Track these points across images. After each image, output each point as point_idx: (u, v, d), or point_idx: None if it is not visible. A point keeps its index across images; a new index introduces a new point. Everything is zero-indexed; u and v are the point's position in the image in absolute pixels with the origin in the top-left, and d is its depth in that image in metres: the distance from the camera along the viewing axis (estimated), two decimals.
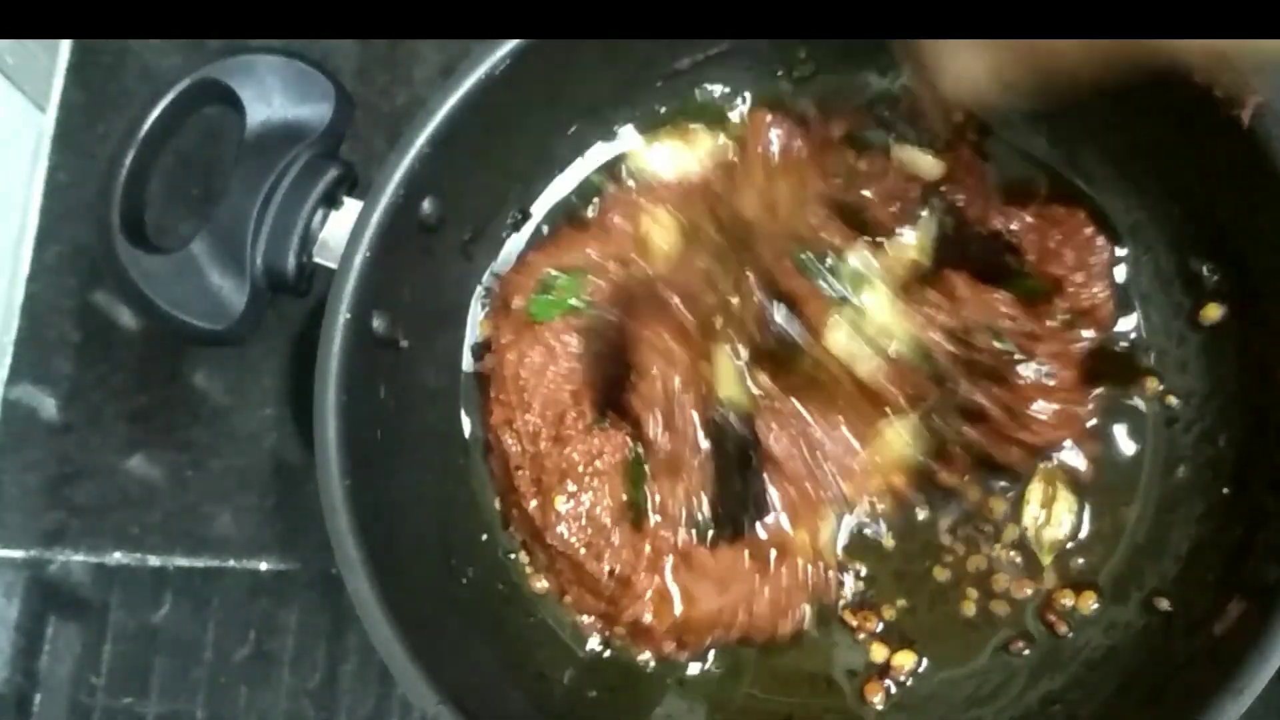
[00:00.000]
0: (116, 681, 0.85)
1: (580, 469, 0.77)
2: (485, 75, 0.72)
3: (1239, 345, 0.77)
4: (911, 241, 0.81)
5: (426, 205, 0.73)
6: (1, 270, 0.91)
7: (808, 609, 0.77)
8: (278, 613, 0.86)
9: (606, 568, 0.76)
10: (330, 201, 0.71)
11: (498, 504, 0.82)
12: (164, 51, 0.93)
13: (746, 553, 0.77)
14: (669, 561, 0.77)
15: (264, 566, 0.86)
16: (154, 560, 0.87)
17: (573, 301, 0.80)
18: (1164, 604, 0.75)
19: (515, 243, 0.84)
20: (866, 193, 0.82)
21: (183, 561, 0.87)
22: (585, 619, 0.79)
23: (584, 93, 0.81)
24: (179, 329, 0.70)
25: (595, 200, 0.84)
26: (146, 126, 0.70)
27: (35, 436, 0.89)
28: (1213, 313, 0.78)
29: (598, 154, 0.85)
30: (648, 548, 0.76)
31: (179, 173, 0.88)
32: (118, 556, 0.87)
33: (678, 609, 0.76)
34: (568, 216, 0.84)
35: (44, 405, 0.89)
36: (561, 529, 0.77)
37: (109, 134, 0.71)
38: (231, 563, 0.86)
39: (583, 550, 0.76)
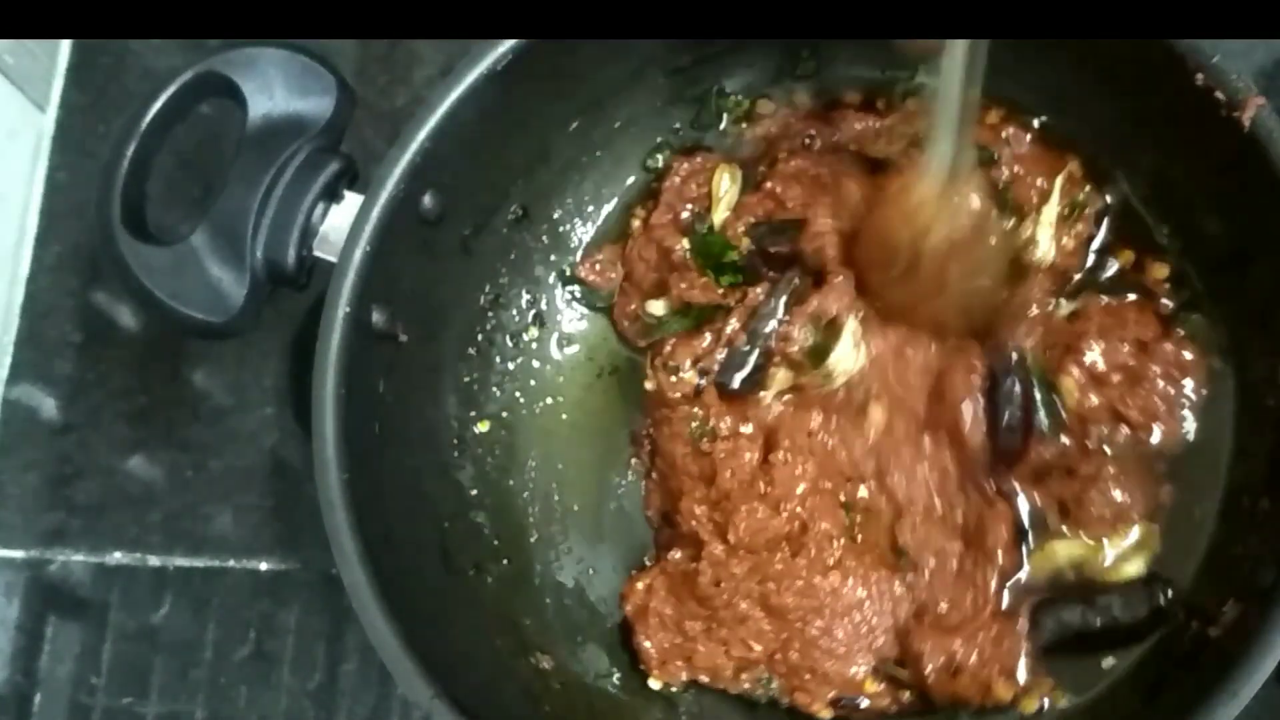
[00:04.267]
0: (116, 681, 0.85)
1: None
2: (486, 71, 0.72)
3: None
4: None
5: (427, 200, 0.73)
6: (1, 270, 0.91)
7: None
8: (278, 613, 0.86)
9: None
10: (331, 195, 0.71)
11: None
12: (164, 51, 0.93)
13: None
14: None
15: (264, 566, 0.86)
16: (154, 560, 0.87)
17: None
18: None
19: None
20: None
21: (183, 561, 0.86)
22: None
23: (585, 89, 0.81)
24: (178, 321, 0.69)
25: None
26: (149, 117, 0.70)
27: (35, 436, 0.89)
28: None
29: None
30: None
31: (179, 173, 0.88)
32: (118, 556, 0.87)
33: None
34: None
35: (44, 405, 0.89)
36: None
37: (109, 134, 0.71)
38: (231, 563, 0.86)
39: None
